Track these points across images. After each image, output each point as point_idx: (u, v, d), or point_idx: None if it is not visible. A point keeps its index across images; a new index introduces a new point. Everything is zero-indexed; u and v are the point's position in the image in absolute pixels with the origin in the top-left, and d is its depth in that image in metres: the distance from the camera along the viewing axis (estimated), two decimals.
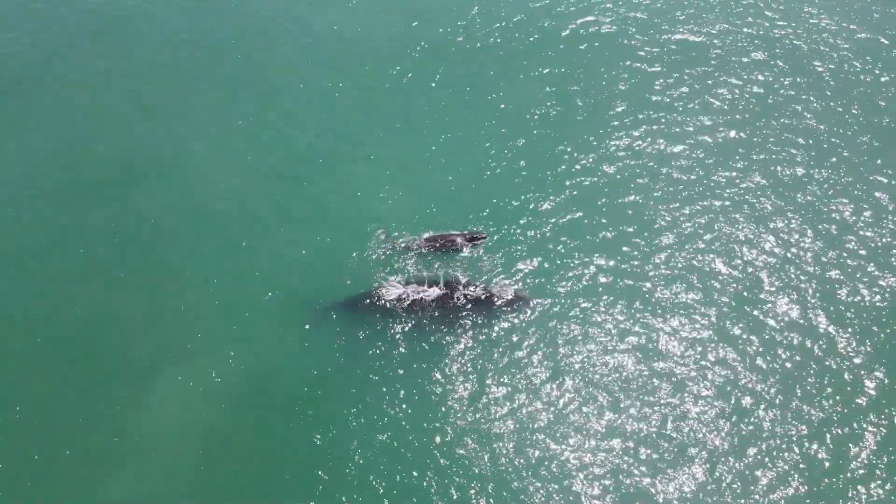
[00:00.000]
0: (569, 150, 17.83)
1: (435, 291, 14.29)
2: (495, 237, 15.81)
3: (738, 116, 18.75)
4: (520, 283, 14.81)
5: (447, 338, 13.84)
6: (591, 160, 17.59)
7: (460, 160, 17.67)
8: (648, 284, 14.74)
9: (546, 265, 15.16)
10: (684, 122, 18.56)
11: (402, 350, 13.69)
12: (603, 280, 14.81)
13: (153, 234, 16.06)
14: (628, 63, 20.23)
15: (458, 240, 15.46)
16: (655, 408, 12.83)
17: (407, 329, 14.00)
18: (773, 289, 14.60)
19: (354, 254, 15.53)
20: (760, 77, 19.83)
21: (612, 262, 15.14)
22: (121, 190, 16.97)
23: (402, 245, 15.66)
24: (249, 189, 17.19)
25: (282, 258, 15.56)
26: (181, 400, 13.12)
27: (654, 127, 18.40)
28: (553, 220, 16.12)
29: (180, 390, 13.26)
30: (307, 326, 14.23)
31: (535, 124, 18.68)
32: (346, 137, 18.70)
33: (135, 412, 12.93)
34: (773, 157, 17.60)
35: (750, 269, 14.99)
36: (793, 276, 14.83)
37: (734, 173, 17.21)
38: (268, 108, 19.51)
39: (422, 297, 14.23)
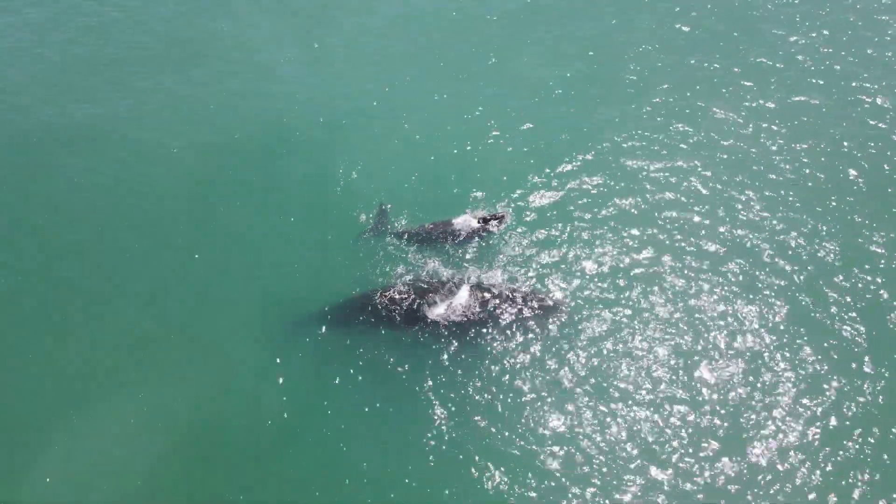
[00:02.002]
0: (593, 134, 14.67)
1: (463, 298, 10.99)
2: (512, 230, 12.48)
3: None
4: (549, 285, 11.52)
5: (476, 366, 10.55)
6: (618, 145, 14.47)
7: (465, 140, 14.58)
8: (699, 289, 11.50)
9: (572, 260, 11.92)
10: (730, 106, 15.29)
11: (408, 380, 10.39)
12: (638, 281, 11.66)
13: (79, 226, 12.63)
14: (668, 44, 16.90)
15: (473, 223, 12.13)
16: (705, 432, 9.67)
17: (416, 349, 10.68)
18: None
19: (339, 254, 12.18)
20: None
21: (644, 262, 11.97)
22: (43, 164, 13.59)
23: (402, 231, 12.37)
24: (207, 168, 13.75)
25: (251, 255, 12.23)
26: (113, 444, 9.85)
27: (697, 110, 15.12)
28: (576, 203, 12.97)
29: (113, 430, 10.00)
30: (281, 345, 10.89)
31: (551, 102, 15.42)
32: (334, 106, 15.36)
33: (52, 455, 9.65)
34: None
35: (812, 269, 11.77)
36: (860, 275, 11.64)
37: (783, 161, 13.97)
38: (229, 72, 16.07)
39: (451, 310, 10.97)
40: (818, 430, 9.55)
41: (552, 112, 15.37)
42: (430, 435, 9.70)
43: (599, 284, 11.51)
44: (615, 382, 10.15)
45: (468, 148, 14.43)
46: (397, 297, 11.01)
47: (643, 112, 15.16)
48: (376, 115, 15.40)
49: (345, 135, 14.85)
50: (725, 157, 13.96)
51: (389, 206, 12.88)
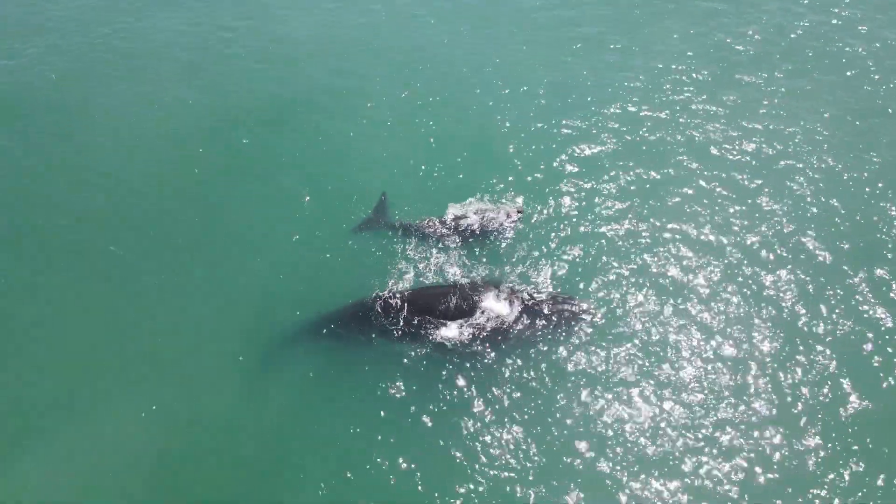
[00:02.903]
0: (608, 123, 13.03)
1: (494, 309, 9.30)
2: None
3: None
4: (570, 289, 9.91)
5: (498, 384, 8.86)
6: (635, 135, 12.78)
7: (476, 129, 13.12)
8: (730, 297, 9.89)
9: (593, 260, 10.33)
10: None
11: (413, 403, 8.73)
12: (667, 281, 10.07)
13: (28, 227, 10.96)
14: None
15: (500, 216, 10.50)
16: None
17: (422, 364, 9.03)
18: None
19: (332, 252, 10.51)
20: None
21: (672, 261, 10.37)
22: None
23: (404, 225, 10.75)
24: (175, 156, 12.08)
25: (228, 257, 10.55)
26: (71, 474, 8.16)
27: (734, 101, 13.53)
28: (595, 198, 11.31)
29: (71, 460, 8.28)
30: (261, 367, 9.25)
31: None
32: (336, 84, 13.80)
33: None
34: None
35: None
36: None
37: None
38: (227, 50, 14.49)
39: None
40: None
41: (572, 100, 13.77)
42: (439, 472, 8.05)
43: (625, 287, 9.88)
44: (659, 403, 8.51)
45: (479, 138, 12.81)
46: (398, 304, 9.32)
47: (673, 105, 13.58)
48: (380, 96, 13.85)
49: (345, 117, 13.23)
50: (760, 151, 12.37)
51: (384, 194, 11.27)
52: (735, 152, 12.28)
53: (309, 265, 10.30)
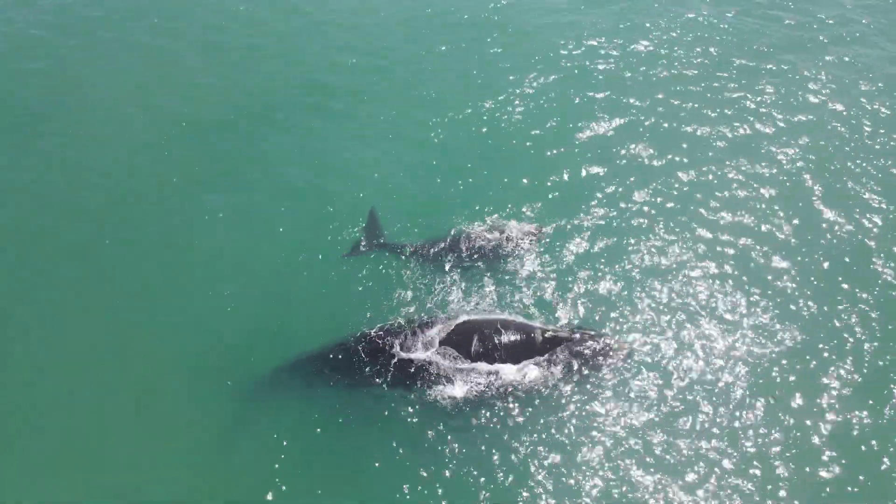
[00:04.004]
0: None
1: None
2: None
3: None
4: (592, 321, 8.48)
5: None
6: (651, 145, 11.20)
7: (480, 137, 11.57)
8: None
9: (618, 289, 8.92)
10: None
11: (408, 459, 7.34)
12: (697, 310, 8.65)
13: None
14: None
15: (515, 236, 9.06)
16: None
17: (419, 413, 7.62)
18: None
19: (318, 278, 9.06)
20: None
21: (699, 287, 9.00)
22: None
23: (401, 246, 9.29)
24: (142, 160, 10.62)
25: (195, 287, 9.08)
26: None
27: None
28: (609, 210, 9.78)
29: None
30: (236, 415, 7.83)
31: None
32: (325, 87, 12.33)
33: None
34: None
35: None
36: None
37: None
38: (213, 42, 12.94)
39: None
40: None
41: (592, 94, 12.21)
42: None
43: (657, 318, 8.47)
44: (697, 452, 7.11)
45: (487, 139, 11.29)
46: (390, 344, 7.85)
47: (714, 98, 12.03)
48: (374, 100, 12.19)
49: (335, 122, 11.67)
50: (784, 163, 10.86)
51: (372, 210, 9.76)
52: (785, 158, 10.75)
53: (289, 295, 8.82)
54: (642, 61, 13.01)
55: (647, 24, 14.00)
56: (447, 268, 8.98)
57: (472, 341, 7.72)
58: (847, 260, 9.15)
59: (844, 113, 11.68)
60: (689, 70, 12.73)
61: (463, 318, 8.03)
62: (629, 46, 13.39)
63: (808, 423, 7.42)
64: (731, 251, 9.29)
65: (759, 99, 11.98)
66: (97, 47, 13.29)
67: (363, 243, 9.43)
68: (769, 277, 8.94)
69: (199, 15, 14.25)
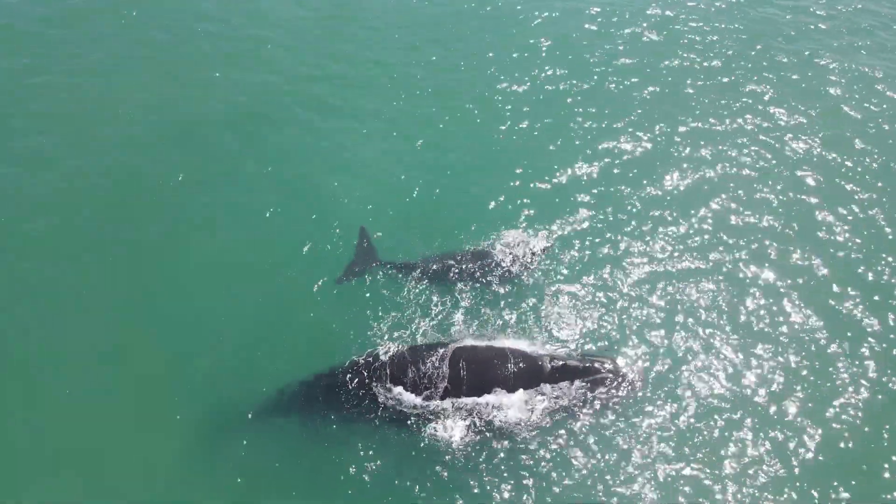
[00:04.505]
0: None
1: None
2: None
3: None
4: (602, 346, 7.85)
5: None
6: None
7: (480, 147, 10.74)
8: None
9: (631, 311, 8.25)
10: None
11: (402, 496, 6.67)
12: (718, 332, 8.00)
13: None
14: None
15: (521, 252, 8.38)
16: None
17: (413, 446, 6.96)
18: None
19: (303, 302, 8.35)
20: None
21: (718, 304, 8.38)
22: None
23: (398, 265, 8.60)
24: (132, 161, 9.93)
25: (172, 309, 8.34)
26: None
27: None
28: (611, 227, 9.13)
29: None
30: (215, 453, 7.15)
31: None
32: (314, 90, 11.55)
33: None
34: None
35: None
36: None
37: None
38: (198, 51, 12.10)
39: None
40: None
41: (600, 93, 11.50)
42: None
43: (671, 340, 7.82)
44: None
45: (487, 144, 10.54)
46: (379, 375, 7.16)
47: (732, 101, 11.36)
48: (366, 105, 11.37)
49: (323, 128, 10.90)
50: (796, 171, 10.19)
51: (362, 229, 8.99)
52: (817, 173, 10.06)
53: (274, 319, 8.09)
54: (650, 56, 12.26)
55: (653, 19, 13.27)
56: (447, 286, 8.29)
57: (471, 371, 7.05)
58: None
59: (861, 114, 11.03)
60: (704, 63, 12.02)
61: (462, 343, 7.36)
62: (639, 40, 12.63)
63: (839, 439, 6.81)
64: (748, 263, 8.64)
65: (778, 99, 11.29)
66: (90, 46, 12.38)
67: (356, 265, 8.68)
68: (788, 289, 8.31)
69: (196, 9, 13.28)
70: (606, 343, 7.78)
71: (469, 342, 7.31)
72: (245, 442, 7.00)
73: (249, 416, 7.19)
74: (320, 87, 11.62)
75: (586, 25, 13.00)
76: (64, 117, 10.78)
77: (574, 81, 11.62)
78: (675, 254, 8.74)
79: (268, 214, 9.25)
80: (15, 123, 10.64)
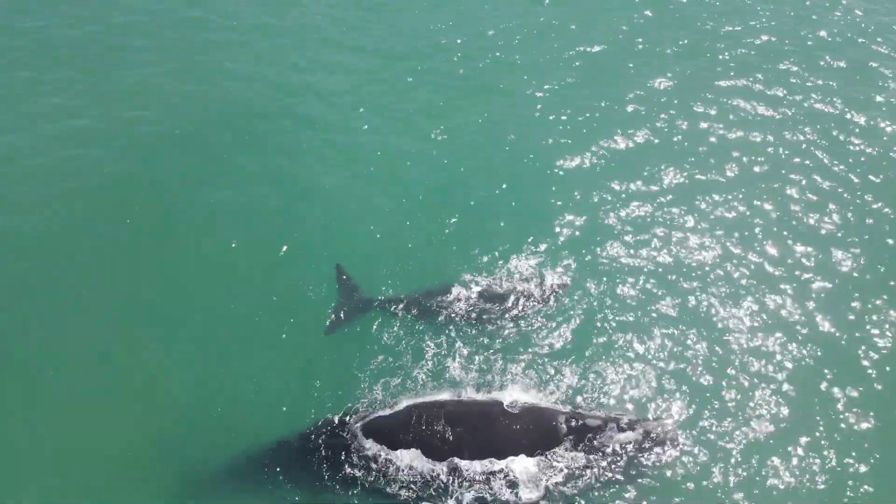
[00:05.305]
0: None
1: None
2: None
3: None
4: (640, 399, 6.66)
5: None
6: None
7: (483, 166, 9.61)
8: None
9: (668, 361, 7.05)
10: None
11: None
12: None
13: None
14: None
15: (535, 290, 7.33)
16: None
17: None
18: None
19: (286, 355, 7.31)
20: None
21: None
22: None
23: (391, 300, 7.52)
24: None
25: (133, 364, 7.32)
26: None
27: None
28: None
29: None
30: None
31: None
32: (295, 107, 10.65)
33: None
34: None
35: None
36: None
37: None
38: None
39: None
40: None
41: (616, 104, 10.47)
42: None
43: (700, 392, 6.61)
44: None
45: (490, 175, 9.30)
46: (358, 433, 6.03)
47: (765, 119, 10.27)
48: (351, 125, 10.29)
49: (302, 140, 9.92)
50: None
51: (338, 268, 7.85)
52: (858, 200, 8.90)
53: (247, 374, 6.98)
54: (673, 64, 11.21)
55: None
56: (444, 325, 7.19)
57: (471, 429, 5.90)
58: None
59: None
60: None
61: (459, 396, 6.23)
62: (657, 48, 11.59)
63: None
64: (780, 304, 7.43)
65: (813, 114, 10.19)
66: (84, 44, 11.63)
67: (342, 309, 7.50)
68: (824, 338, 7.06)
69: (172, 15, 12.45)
70: (631, 396, 6.58)
71: (468, 394, 6.19)
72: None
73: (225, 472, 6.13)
74: (310, 96, 10.63)
75: (596, 48, 12.07)
76: (55, 116, 10.03)
77: (586, 94, 10.55)
78: (708, 297, 7.54)
79: (253, 253, 8.26)
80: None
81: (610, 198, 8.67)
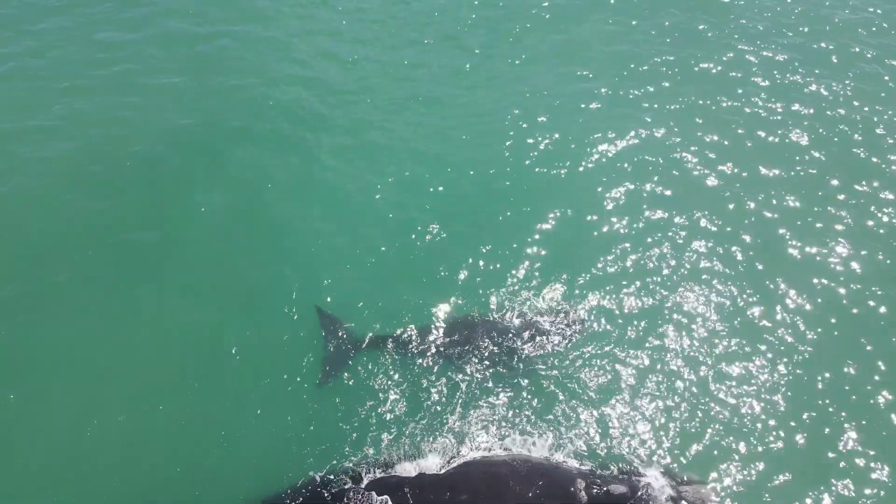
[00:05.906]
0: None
1: None
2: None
3: None
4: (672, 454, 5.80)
5: None
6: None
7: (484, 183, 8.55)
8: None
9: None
10: None
11: None
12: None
13: None
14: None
15: (549, 328, 6.58)
16: None
17: None
18: None
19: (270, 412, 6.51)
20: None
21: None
22: None
23: (384, 338, 6.65)
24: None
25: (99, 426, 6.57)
26: None
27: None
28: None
29: None
30: None
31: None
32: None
33: None
34: None
35: None
36: None
37: None
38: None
39: None
40: None
41: (622, 137, 9.53)
42: None
43: (733, 455, 5.75)
44: None
45: (492, 192, 8.24)
46: None
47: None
48: (351, 123, 9.29)
49: (287, 152, 8.80)
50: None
51: (317, 309, 6.91)
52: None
53: (228, 434, 6.16)
54: (686, 77, 10.19)
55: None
56: (444, 369, 6.34)
57: (473, 497, 5.06)
58: None
59: None
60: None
61: (462, 457, 5.39)
62: (666, 55, 10.53)
63: None
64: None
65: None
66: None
67: (333, 361, 6.58)
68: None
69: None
70: (662, 457, 5.70)
71: (467, 452, 5.36)
72: None
73: None
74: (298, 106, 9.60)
75: (601, 67, 11.08)
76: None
77: (613, 110, 9.59)
78: (740, 341, 6.62)
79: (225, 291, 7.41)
80: None
81: (633, 231, 7.75)
